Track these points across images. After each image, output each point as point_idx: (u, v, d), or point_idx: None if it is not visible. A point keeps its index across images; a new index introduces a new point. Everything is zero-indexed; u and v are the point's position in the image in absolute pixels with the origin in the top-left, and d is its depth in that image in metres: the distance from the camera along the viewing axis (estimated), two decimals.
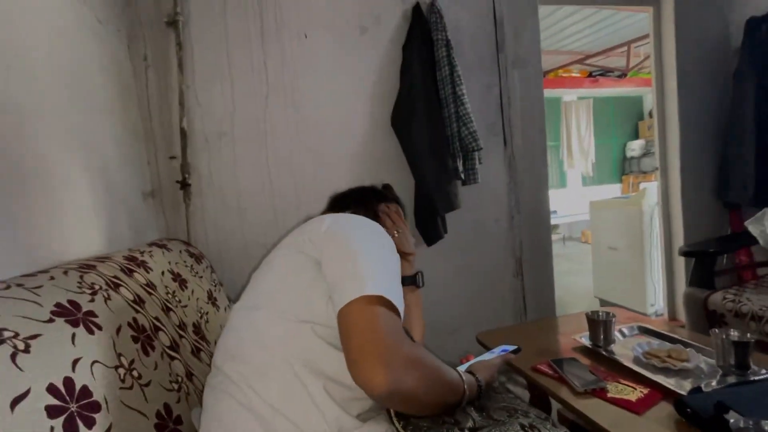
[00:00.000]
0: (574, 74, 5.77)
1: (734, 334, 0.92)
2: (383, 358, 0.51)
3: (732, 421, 0.64)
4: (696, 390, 0.83)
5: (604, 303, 2.94)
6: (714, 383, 0.87)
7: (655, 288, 2.54)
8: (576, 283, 3.60)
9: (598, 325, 1.11)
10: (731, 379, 0.88)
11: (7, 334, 0.50)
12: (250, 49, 1.56)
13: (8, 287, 0.58)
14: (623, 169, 6.26)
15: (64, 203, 0.85)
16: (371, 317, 0.54)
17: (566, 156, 5.59)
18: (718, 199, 2.17)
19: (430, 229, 1.64)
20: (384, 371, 0.50)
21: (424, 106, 1.59)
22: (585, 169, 5.67)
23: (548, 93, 5.59)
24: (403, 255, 0.94)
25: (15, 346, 0.49)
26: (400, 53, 1.68)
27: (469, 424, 0.63)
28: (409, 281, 0.98)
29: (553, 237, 6.21)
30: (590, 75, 5.63)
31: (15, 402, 0.44)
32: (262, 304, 0.66)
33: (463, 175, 1.64)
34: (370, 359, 0.51)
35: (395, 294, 0.59)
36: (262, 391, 0.59)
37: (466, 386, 0.65)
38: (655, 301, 2.55)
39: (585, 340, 1.15)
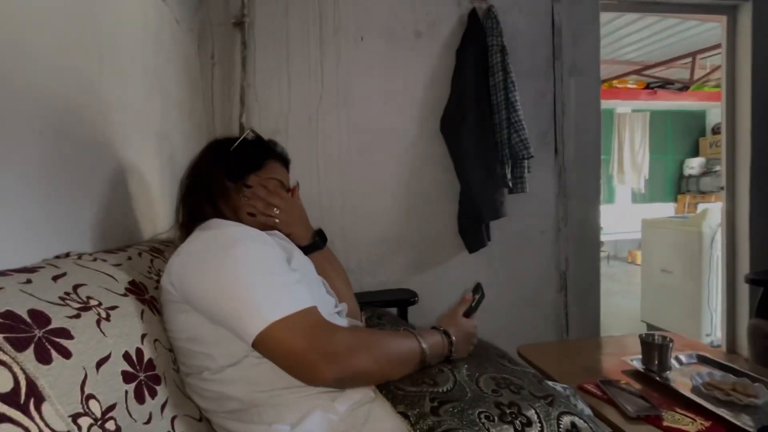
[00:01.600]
0: (629, 85, 5.49)
1: None
2: (315, 364, 0.55)
3: None
4: (766, 429, 0.76)
5: (652, 328, 2.76)
6: None
7: (712, 317, 2.36)
8: (620, 305, 3.40)
9: (654, 348, 1.05)
10: None
11: (93, 302, 0.54)
12: (308, 51, 1.62)
13: (95, 260, 0.63)
14: (679, 187, 5.88)
15: (140, 187, 0.92)
16: (282, 345, 0.55)
17: (616, 170, 5.32)
18: None
19: (474, 236, 1.62)
20: (322, 371, 0.54)
21: (475, 111, 1.58)
22: (636, 186, 5.38)
23: (604, 104, 5.38)
24: (291, 227, 0.83)
25: (99, 314, 0.54)
26: (454, 58, 1.68)
27: (449, 384, 0.62)
28: (310, 247, 0.87)
29: (602, 255, 5.94)
30: (648, 86, 5.34)
31: (99, 363, 0.48)
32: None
33: (510, 183, 1.61)
34: (305, 370, 0.56)
35: (290, 299, 0.58)
36: None
37: (425, 347, 0.64)
38: (712, 330, 2.37)
39: (637, 364, 1.09)
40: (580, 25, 1.83)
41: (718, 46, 2.15)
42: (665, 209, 5.56)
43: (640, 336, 1.09)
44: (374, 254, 1.68)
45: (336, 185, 1.65)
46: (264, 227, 0.77)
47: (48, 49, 0.61)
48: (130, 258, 0.73)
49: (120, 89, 0.85)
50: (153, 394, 0.58)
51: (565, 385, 0.83)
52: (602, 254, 6.14)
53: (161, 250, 0.85)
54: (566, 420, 0.61)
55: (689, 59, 4.27)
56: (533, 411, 0.58)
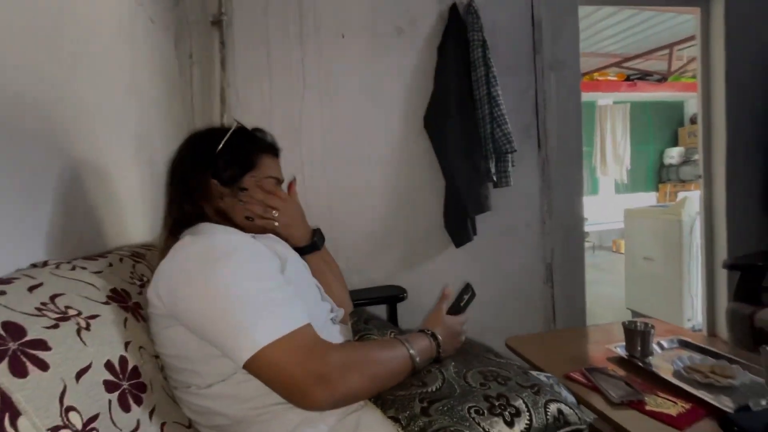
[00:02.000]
0: (610, 77, 5.58)
1: None
2: (309, 389, 0.53)
3: None
4: (744, 408, 0.79)
5: (636, 315, 2.83)
6: (764, 402, 0.82)
7: (693, 301, 2.42)
8: (606, 294, 3.48)
9: (636, 335, 1.08)
10: None
11: (71, 312, 0.53)
12: (289, 49, 1.60)
13: (74, 268, 0.61)
14: (660, 177, 6.01)
15: (117, 192, 0.90)
16: (274, 369, 0.54)
17: (599, 162, 5.41)
18: (766, 210, 2.05)
19: (460, 230, 1.63)
20: (316, 396, 0.53)
21: (458, 106, 1.58)
22: (619, 176, 5.48)
23: (582, 96, 5.45)
24: (290, 228, 0.80)
25: (79, 324, 0.52)
26: (436, 54, 1.68)
27: (437, 384, 0.62)
28: (308, 248, 0.85)
29: (589, 244, 6.05)
30: (627, 78, 5.43)
31: (80, 374, 0.47)
32: None
33: (495, 177, 1.62)
34: (298, 395, 0.54)
35: (281, 318, 0.56)
36: None
37: (415, 355, 0.63)
38: (693, 315, 2.44)
39: (621, 351, 1.12)
40: (559, 19, 1.85)
41: (693, 37, 2.19)
42: (647, 198, 5.68)
43: (623, 324, 1.12)
44: (362, 252, 1.68)
45: (321, 184, 1.65)
46: (262, 231, 0.75)
47: (9, 47, 0.58)
48: (111, 264, 0.72)
49: (94, 90, 0.83)
50: (138, 401, 0.57)
51: (549, 374, 0.85)
52: (587, 244, 6.28)
53: (143, 254, 0.84)
54: (553, 407, 0.63)
55: (666, 51, 4.36)
56: (521, 401, 0.59)
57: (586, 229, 5.30)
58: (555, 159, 1.85)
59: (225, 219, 0.72)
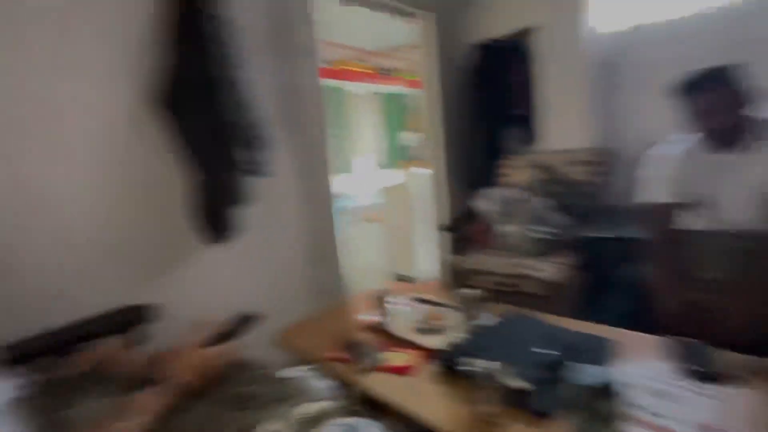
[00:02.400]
0: (359, 68, 6.32)
1: (467, 291, 1.17)
2: None
3: (460, 367, 0.80)
4: (451, 344, 1.02)
5: (396, 275, 3.39)
6: (462, 333, 1.09)
7: (423, 256, 3.09)
8: (371, 261, 4.00)
9: (375, 302, 1.24)
10: (472, 328, 1.13)
11: None
12: None
13: None
14: (403, 156, 7.33)
15: None
16: None
17: (352, 145, 6.10)
18: (460, 183, 2.78)
19: (215, 226, 1.47)
20: None
21: (197, 88, 1.38)
22: (371, 157, 6.33)
23: (334, 84, 5.97)
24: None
25: None
26: (159, 27, 1.40)
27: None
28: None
29: (347, 220, 6.75)
30: (374, 71, 6.29)
31: None
32: None
33: (248, 167, 1.53)
34: None
35: None
36: None
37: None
38: (429, 267, 3.11)
39: (367, 317, 1.27)
40: (297, 6, 1.87)
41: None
42: (393, 175, 6.83)
43: (364, 295, 1.27)
44: (86, 270, 1.29)
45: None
46: None
47: None
48: None
49: None
50: None
51: (307, 367, 0.87)
52: (347, 219, 6.97)
53: None
54: (303, 409, 0.63)
55: (404, 51, 5.22)
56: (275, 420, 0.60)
57: (346, 204, 5.97)
58: (305, 145, 1.91)
59: None
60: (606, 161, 2.08)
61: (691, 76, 1.23)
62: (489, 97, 2.59)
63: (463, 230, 2.14)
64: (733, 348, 0.92)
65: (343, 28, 4.41)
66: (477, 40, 2.65)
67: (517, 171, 2.36)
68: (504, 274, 1.76)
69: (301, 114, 1.89)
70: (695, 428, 0.68)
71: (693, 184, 1.31)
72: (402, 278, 3.29)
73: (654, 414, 0.73)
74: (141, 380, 0.65)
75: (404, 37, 2.87)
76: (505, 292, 1.76)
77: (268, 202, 1.74)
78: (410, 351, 1.07)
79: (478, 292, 1.17)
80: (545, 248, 1.85)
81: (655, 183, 1.39)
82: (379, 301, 1.24)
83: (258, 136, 1.49)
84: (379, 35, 4.70)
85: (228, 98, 1.42)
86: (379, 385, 0.93)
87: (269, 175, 1.58)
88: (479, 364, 0.81)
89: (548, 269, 1.70)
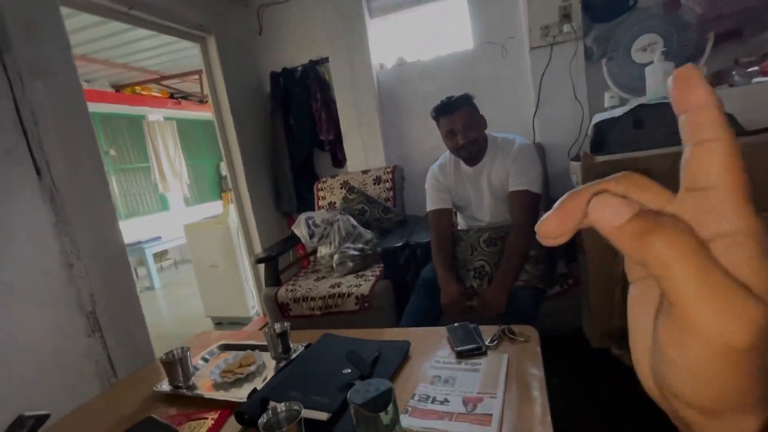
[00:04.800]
0: (155, 93, 5.55)
1: (277, 326, 1.12)
2: None
3: (260, 419, 0.74)
4: (253, 392, 0.93)
5: (215, 320, 3.02)
6: (268, 377, 1.01)
7: (252, 293, 2.88)
8: (194, 306, 3.51)
9: (174, 365, 1.05)
10: (281, 366, 1.07)
11: None
12: None
13: None
14: (221, 186, 6.78)
15: None
16: None
17: (159, 178, 5.33)
18: (277, 210, 2.72)
19: None
20: None
21: None
22: (181, 190, 5.65)
23: (130, 110, 5.11)
24: None
25: None
26: None
27: None
28: None
29: (165, 263, 5.84)
30: (171, 96, 5.62)
31: None
32: None
33: None
34: None
35: None
36: None
37: None
38: (254, 303, 2.90)
39: (166, 386, 1.07)
40: (35, 17, 1.50)
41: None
42: (215, 207, 6.25)
43: (160, 359, 1.07)
44: None
45: None
46: None
47: None
48: None
49: None
50: None
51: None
52: (168, 261, 6.08)
53: None
54: None
55: (197, 75, 4.83)
56: None
57: (164, 246, 5.16)
58: (68, 185, 1.52)
59: None
60: (397, 178, 2.37)
61: (439, 103, 1.51)
62: (296, 122, 2.63)
63: (280, 259, 2.08)
64: (496, 320, 1.14)
65: (132, 47, 3.82)
66: (270, 68, 2.66)
67: (329, 192, 2.45)
68: (323, 297, 1.78)
69: (60, 147, 1.50)
70: (463, 403, 0.79)
71: (454, 193, 1.61)
72: (222, 323, 2.98)
73: (437, 401, 0.81)
74: None
75: (198, 59, 2.67)
76: (326, 314, 1.78)
77: (8, 267, 1.30)
78: (210, 413, 0.93)
79: (283, 324, 1.12)
80: (358, 264, 1.96)
81: (431, 193, 1.65)
82: (174, 365, 1.05)
83: None
84: (173, 56, 4.25)
85: None
86: None
87: None
88: (274, 408, 0.76)
89: (361, 284, 1.79)
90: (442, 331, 1.11)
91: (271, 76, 2.62)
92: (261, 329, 1.14)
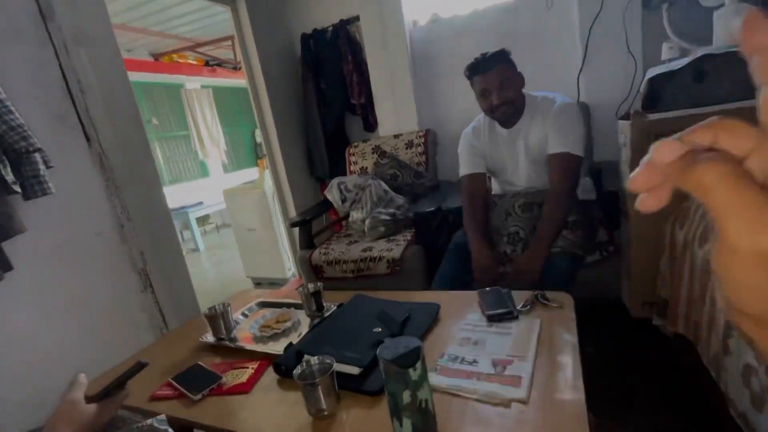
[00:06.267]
0: (191, 61, 5.63)
1: (310, 285, 1.16)
2: None
3: (295, 370, 0.78)
4: (288, 346, 0.98)
5: (255, 281, 3.18)
6: (302, 333, 1.06)
7: (288, 256, 2.98)
8: (235, 268, 3.71)
9: (216, 319, 1.12)
10: (315, 323, 1.11)
11: None
12: None
13: None
14: (257, 153, 6.93)
15: None
16: None
17: (199, 146, 5.51)
18: (311, 175, 2.75)
19: None
20: None
21: None
22: (219, 157, 5.83)
23: (169, 78, 5.23)
24: None
25: None
26: None
27: None
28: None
29: (207, 227, 6.15)
30: (207, 64, 5.68)
31: None
32: None
33: (18, 187, 1.20)
34: None
35: None
36: None
37: None
38: (291, 265, 3.02)
39: (210, 338, 1.15)
40: None
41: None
42: (251, 174, 6.43)
43: (204, 313, 1.14)
44: None
45: None
46: None
47: None
48: None
49: None
50: None
51: (160, 417, 0.73)
52: (210, 225, 6.39)
53: None
54: None
55: (230, 41, 4.83)
56: None
57: (206, 212, 5.42)
58: (116, 151, 1.60)
59: None
60: (431, 142, 2.31)
61: (473, 61, 1.42)
62: (327, 86, 2.59)
63: (314, 222, 2.12)
64: (530, 286, 1.12)
65: (166, 14, 3.86)
66: (301, 30, 2.61)
67: (361, 157, 2.44)
68: (355, 260, 1.81)
69: (107, 115, 1.57)
70: (492, 365, 0.80)
71: (488, 157, 1.54)
72: (262, 283, 3.13)
73: (465, 362, 0.82)
74: None
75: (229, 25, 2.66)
76: (359, 277, 1.82)
77: (64, 227, 1.41)
78: (253, 364, 0.99)
79: (317, 284, 1.16)
80: (390, 229, 1.97)
81: (464, 158, 1.59)
82: (217, 318, 1.12)
83: (23, 147, 1.17)
84: (207, 22, 4.26)
85: None
86: (212, 415, 0.84)
87: (48, 193, 1.26)
88: (310, 361, 0.79)
89: (393, 248, 1.80)
90: (472, 295, 1.10)
91: (302, 39, 2.57)
92: (297, 289, 1.18)
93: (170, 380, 0.96)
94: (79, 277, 1.46)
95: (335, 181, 2.11)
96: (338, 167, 2.59)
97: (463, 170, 1.57)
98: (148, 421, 0.71)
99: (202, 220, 5.85)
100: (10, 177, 1.18)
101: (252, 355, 1.03)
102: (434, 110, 2.50)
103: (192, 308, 1.87)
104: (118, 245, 1.59)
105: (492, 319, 0.96)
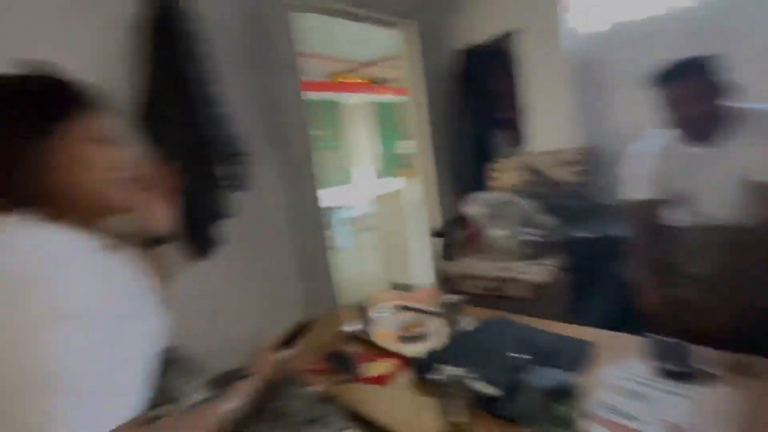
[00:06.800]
0: (353, 80, 6.38)
1: (450, 297, 1.17)
2: None
3: (429, 375, 0.79)
4: (427, 353, 1.01)
5: (394, 284, 3.37)
6: (443, 342, 1.08)
7: (425, 264, 3.07)
8: (372, 271, 3.99)
9: (361, 313, 1.24)
10: (452, 335, 1.12)
11: None
12: None
13: None
14: (401, 164, 7.34)
15: None
16: None
17: (350, 155, 6.14)
18: (455, 188, 2.78)
19: (199, 242, 1.49)
20: None
21: (177, 106, 1.41)
22: (370, 166, 6.37)
23: (330, 96, 6.03)
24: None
25: None
26: (137, 36, 1.43)
27: None
28: (165, 240, 0.74)
29: (352, 229, 6.77)
30: (368, 81, 6.35)
31: None
32: None
33: (230, 182, 1.54)
34: None
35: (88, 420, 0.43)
36: None
37: (227, 414, 0.62)
38: (427, 273, 3.10)
39: (352, 328, 1.26)
40: (277, 21, 1.90)
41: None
42: (393, 183, 6.84)
43: (350, 307, 1.26)
44: None
45: None
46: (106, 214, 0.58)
47: None
48: None
49: None
50: None
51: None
52: (354, 228, 7.00)
53: None
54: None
55: (393, 60, 5.28)
56: None
57: (352, 214, 5.99)
58: (291, 158, 1.92)
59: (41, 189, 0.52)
60: (591, 160, 2.07)
61: (666, 66, 1.22)
62: (475, 101, 2.60)
63: (454, 235, 2.13)
64: (715, 344, 0.91)
65: (335, 41, 4.48)
66: (460, 46, 2.67)
67: (506, 174, 2.35)
68: (492, 278, 1.75)
69: (284, 128, 1.91)
70: (664, 429, 0.67)
71: (673, 179, 1.30)
72: (397, 286, 3.28)
73: (623, 415, 0.72)
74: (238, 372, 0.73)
75: (392, 46, 2.91)
76: (493, 296, 1.75)
77: (253, 216, 1.75)
78: (390, 360, 1.06)
79: (459, 297, 1.16)
80: (533, 250, 1.84)
81: (636, 180, 1.38)
82: (362, 311, 1.24)
83: (236, 152, 1.51)
84: (369, 46, 4.77)
85: (204, 115, 1.44)
86: (356, 396, 0.92)
87: (249, 189, 1.58)
88: (450, 371, 0.80)
89: (536, 272, 1.68)
90: (635, 340, 0.95)
91: (459, 54, 2.64)
92: (437, 298, 1.21)
93: (323, 357, 1.09)
94: (256, 257, 1.79)
95: (477, 195, 2.09)
96: (481, 182, 2.55)
97: (636, 194, 1.36)
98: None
99: (348, 222, 6.49)
100: (229, 173, 1.53)
101: (389, 352, 1.10)
102: (594, 124, 2.25)
103: (333, 299, 2.09)
104: (286, 235, 1.90)
105: (670, 375, 0.81)
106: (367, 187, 6.37)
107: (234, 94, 1.63)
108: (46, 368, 0.41)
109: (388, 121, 7.09)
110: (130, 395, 0.48)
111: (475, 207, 2.02)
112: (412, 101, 2.68)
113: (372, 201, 3.48)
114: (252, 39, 1.81)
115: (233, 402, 0.64)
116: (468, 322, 1.16)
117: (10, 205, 0.50)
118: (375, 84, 6.44)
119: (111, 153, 0.59)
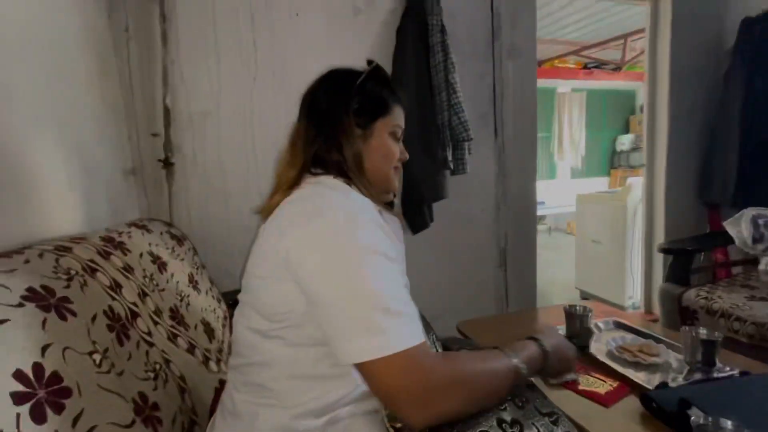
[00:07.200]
0: (569, 65, 5.73)
1: (703, 332, 0.95)
2: (405, 407, 0.51)
3: (693, 417, 0.67)
4: (663, 385, 0.86)
5: (584, 294, 3.00)
6: (680, 379, 0.90)
7: (634, 281, 2.60)
8: (559, 274, 3.66)
9: (575, 318, 1.14)
10: (698, 376, 0.92)
11: None
12: (238, 26, 1.51)
13: None
14: (612, 162, 6.32)
15: (37, 181, 0.83)
16: (376, 379, 0.51)
17: (557, 148, 5.61)
18: (699, 198, 2.21)
19: (417, 217, 1.64)
20: (411, 415, 0.51)
21: (416, 92, 1.57)
22: (574, 162, 5.71)
23: (542, 83, 5.59)
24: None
25: None
26: (394, 37, 1.64)
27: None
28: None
29: (540, 227, 6.31)
30: (585, 66, 5.61)
31: None
32: (246, 299, 0.65)
33: (452, 165, 1.63)
34: (394, 408, 0.52)
35: (399, 334, 0.51)
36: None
37: (521, 367, 0.59)
38: (633, 294, 2.62)
39: (561, 332, 1.18)
40: (517, 7, 1.86)
41: (644, 29, 2.27)
42: (600, 183, 5.98)
43: (564, 307, 1.17)
44: None
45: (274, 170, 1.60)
46: (386, 192, 0.73)
47: None
48: (27, 261, 0.66)
49: (6, 70, 0.75)
50: (59, 409, 0.54)
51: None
52: (544, 226, 6.51)
53: (68, 247, 0.78)
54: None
55: (621, 41, 4.52)
56: (536, 430, 0.55)
57: (544, 212, 5.55)
58: (511, 146, 1.89)
59: (359, 166, 0.66)
60: None
61: None
62: (763, 86, 1.97)
63: (696, 256, 1.71)
64: None
65: (560, 23, 4.13)
66: (743, 14, 2.04)
67: None
68: (760, 323, 1.33)
69: (512, 115, 1.89)
70: None
71: None
72: (589, 298, 2.89)
73: None
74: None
75: (625, 24, 2.47)
76: (758, 347, 1.33)
77: (465, 199, 1.82)
78: (608, 379, 0.94)
79: (717, 335, 0.94)
80: None
81: None
82: (575, 318, 1.14)
83: (463, 138, 1.58)
84: (598, 25, 4.19)
85: (443, 101, 1.55)
86: (568, 406, 0.86)
87: (465, 172, 1.65)
88: (705, 418, 0.66)
89: None
90: None
91: (743, 24, 2.02)
92: (679, 327, 1.00)
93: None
94: (460, 239, 1.87)
95: (749, 212, 1.59)
96: (751, 195, 1.94)
97: None
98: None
99: (538, 219, 6.06)
100: (450, 157, 1.62)
101: (608, 371, 0.98)
102: None
103: (530, 297, 1.99)
104: (492, 222, 1.90)
105: None
106: (567, 185, 5.77)
107: (466, 81, 1.70)
108: (369, 287, 0.52)
109: (609, 112, 6.15)
110: (418, 330, 0.54)
111: (744, 226, 1.56)
112: (649, 86, 2.22)
113: (574, 200, 3.12)
114: (487, 26, 1.83)
115: (527, 352, 0.62)
116: (721, 367, 0.92)
117: (333, 172, 0.66)
118: (590, 68, 5.64)
119: (399, 147, 0.73)
